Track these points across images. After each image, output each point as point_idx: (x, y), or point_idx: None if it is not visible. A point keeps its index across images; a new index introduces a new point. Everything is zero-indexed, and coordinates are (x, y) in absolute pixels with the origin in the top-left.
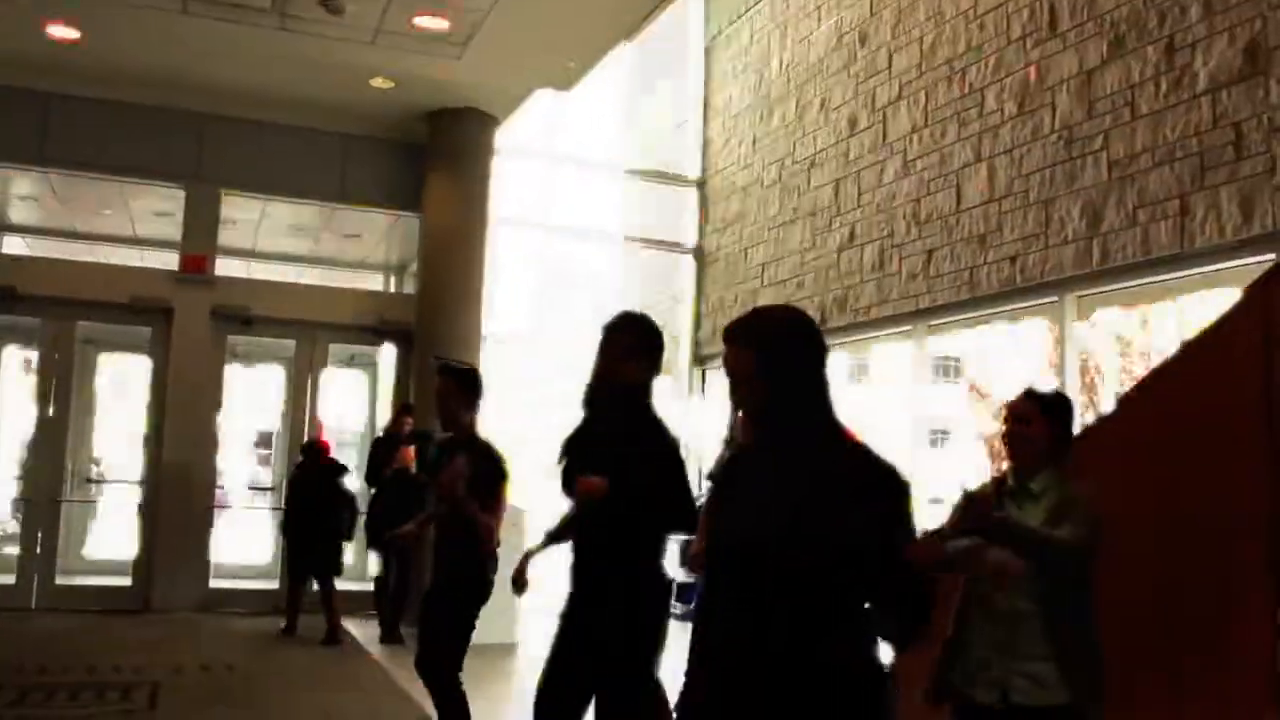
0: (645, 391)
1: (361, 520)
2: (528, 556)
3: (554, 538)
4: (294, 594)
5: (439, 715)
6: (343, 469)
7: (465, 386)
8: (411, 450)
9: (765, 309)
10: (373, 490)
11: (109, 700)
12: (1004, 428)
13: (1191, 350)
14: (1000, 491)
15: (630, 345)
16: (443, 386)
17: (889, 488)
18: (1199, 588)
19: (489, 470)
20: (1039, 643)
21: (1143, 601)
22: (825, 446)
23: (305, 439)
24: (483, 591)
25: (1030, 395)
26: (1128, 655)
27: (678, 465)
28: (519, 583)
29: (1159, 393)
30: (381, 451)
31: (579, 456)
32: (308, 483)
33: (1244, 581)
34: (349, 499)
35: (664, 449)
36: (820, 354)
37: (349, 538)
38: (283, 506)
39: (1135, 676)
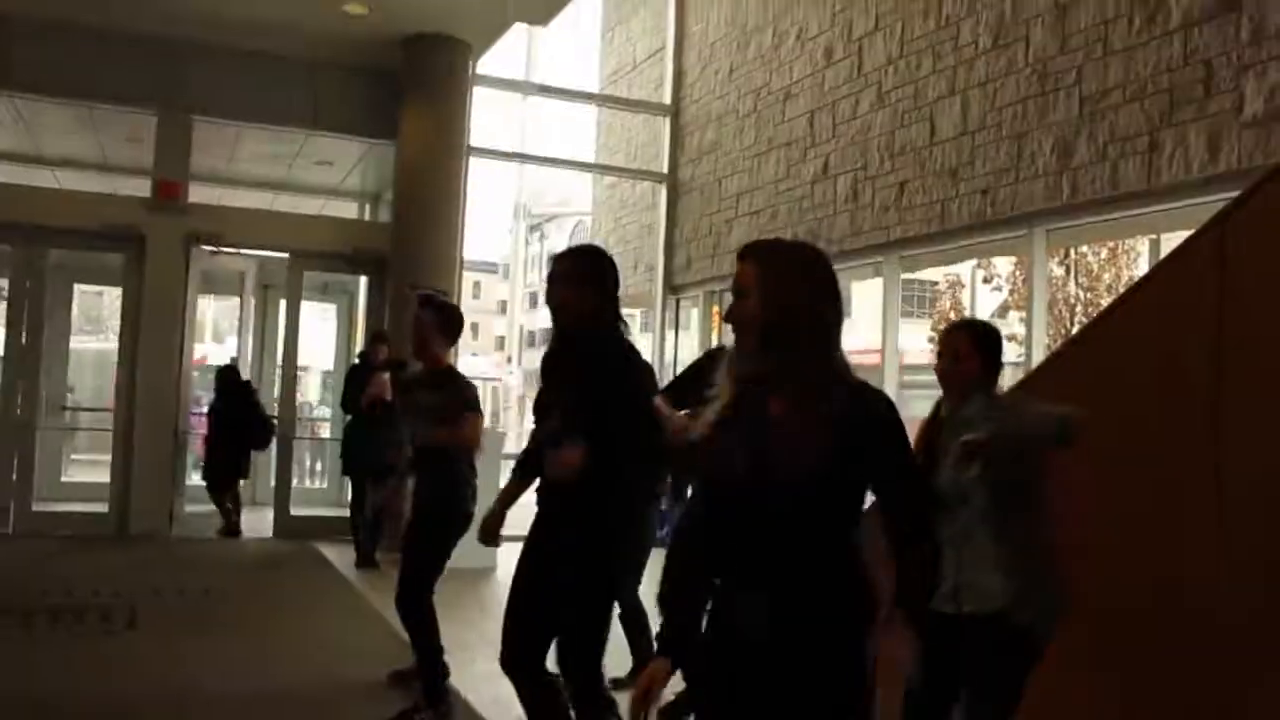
0: (604, 319)
1: (337, 446)
2: (500, 510)
3: (521, 468)
4: (218, 498)
5: (411, 638)
6: (252, 390)
7: (443, 322)
8: (386, 378)
9: (782, 239)
10: (348, 417)
11: (88, 622)
12: (938, 361)
13: (1147, 286)
14: (936, 419)
15: (579, 274)
16: (419, 317)
17: (884, 428)
18: (1141, 531)
19: (459, 402)
20: (987, 556)
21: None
22: (821, 381)
23: (221, 365)
24: (460, 523)
25: (961, 328)
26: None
27: (647, 404)
28: (490, 534)
29: (1113, 327)
30: (356, 379)
31: (552, 388)
32: (226, 403)
33: (1187, 530)
34: (261, 415)
35: (633, 387)
36: (822, 288)
37: (261, 447)
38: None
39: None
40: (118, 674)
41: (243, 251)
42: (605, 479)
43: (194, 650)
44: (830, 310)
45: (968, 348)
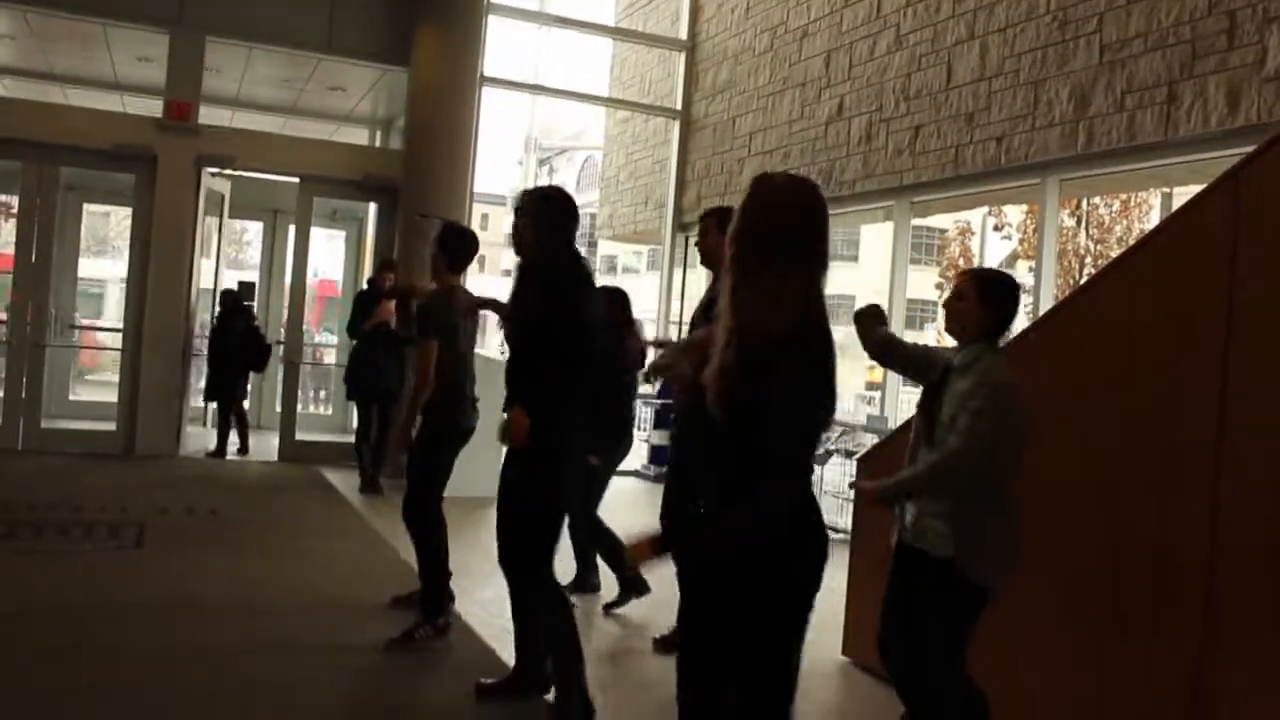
0: (555, 250)
1: (341, 372)
2: None
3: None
4: (221, 419)
5: (417, 554)
6: (251, 313)
7: (445, 247)
8: (392, 305)
9: (767, 176)
10: (354, 342)
11: (97, 537)
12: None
13: (1160, 234)
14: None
15: (532, 211)
16: (433, 246)
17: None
18: (1140, 486)
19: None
20: (943, 505)
21: (1083, 484)
22: (770, 317)
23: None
24: (459, 435)
25: (970, 273)
26: (1057, 529)
27: (581, 319)
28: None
29: (1125, 275)
30: (363, 305)
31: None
32: (224, 326)
33: (1185, 488)
34: (259, 337)
35: (567, 305)
36: (779, 229)
37: (258, 369)
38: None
39: (1070, 560)
40: (124, 586)
41: (253, 175)
42: (529, 385)
43: (199, 567)
44: (784, 246)
45: (969, 289)
